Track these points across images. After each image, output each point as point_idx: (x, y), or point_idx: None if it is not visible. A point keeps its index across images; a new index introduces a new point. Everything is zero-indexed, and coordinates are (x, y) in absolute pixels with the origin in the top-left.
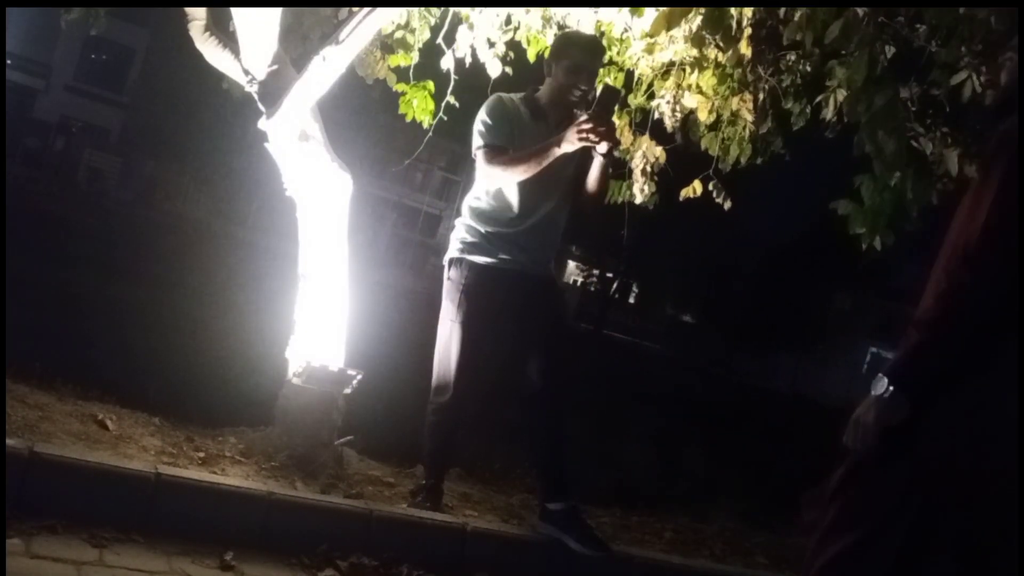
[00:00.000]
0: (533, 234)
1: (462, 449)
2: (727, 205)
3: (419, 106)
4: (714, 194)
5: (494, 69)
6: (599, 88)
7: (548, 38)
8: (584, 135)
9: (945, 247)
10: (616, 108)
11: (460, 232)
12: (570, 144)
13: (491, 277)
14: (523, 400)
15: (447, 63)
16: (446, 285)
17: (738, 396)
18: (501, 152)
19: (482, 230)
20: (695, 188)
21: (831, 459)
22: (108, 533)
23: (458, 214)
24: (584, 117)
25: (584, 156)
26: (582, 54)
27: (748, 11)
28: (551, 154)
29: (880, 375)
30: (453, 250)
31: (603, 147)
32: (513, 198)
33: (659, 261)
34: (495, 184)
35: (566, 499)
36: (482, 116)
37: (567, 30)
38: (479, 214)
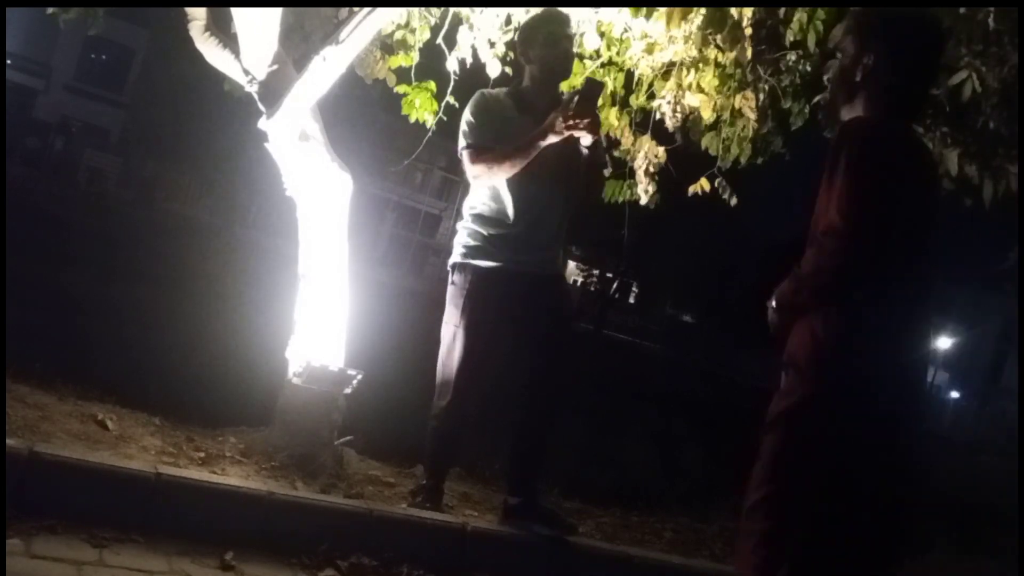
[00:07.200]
0: (534, 233)
1: (462, 449)
2: (733, 202)
3: (421, 106)
4: (720, 191)
5: (494, 69)
6: (582, 81)
7: None
8: (571, 125)
9: (814, 222)
10: (599, 100)
11: (463, 236)
12: (555, 135)
13: (496, 280)
14: (518, 394)
15: (447, 63)
16: (450, 289)
17: (738, 396)
18: (485, 151)
19: (484, 233)
20: (703, 185)
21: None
22: (108, 533)
23: (459, 215)
24: (569, 113)
25: (575, 151)
26: (550, 24)
27: (748, 11)
28: (536, 147)
29: (774, 295)
30: (457, 255)
31: (587, 139)
32: (508, 199)
33: (659, 261)
34: (483, 183)
35: (527, 493)
36: (466, 116)
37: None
38: (479, 218)
